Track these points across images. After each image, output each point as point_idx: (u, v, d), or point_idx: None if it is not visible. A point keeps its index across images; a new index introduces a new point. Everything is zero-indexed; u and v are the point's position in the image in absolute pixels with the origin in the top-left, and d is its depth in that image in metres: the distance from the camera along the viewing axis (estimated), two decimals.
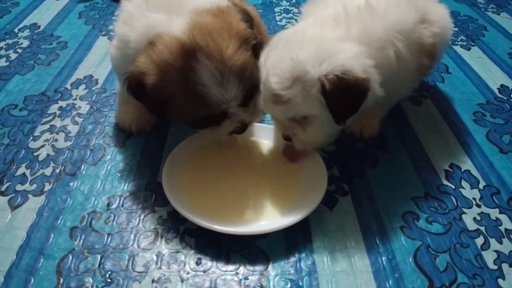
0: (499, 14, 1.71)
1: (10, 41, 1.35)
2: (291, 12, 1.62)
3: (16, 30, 1.43)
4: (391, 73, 0.80)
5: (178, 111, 0.79)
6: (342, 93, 0.71)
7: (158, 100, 0.77)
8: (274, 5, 1.67)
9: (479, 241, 0.78)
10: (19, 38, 1.37)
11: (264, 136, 0.95)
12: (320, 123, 0.79)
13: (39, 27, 1.45)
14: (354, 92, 0.73)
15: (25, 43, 1.35)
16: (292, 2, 1.71)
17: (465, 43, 1.46)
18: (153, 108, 0.83)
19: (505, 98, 1.17)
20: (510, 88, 1.22)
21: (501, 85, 1.23)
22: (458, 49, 1.42)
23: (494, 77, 1.27)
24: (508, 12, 1.74)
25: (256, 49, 0.82)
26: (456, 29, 1.56)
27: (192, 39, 0.74)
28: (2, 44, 1.34)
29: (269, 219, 0.77)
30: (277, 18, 1.57)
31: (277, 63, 0.74)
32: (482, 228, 0.80)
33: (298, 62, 0.71)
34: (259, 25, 1.10)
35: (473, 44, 1.46)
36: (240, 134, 0.87)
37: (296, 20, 1.55)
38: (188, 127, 0.87)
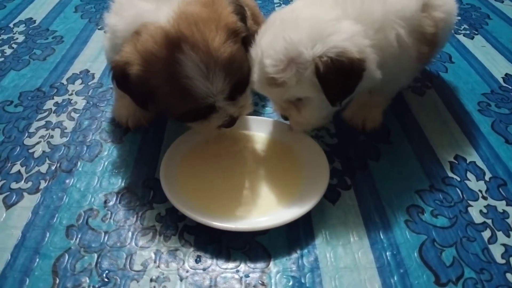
0: (502, 2, 1.68)
1: (5, 36, 1.33)
2: (291, 2, 1.59)
3: (11, 25, 1.40)
4: (391, 57, 0.78)
5: (163, 103, 0.77)
6: (336, 75, 0.70)
7: (142, 91, 0.75)
8: None
9: (486, 234, 0.76)
10: (14, 33, 1.35)
11: (264, 130, 0.93)
12: (315, 105, 0.78)
13: (34, 21, 1.43)
14: (349, 73, 0.71)
15: (21, 38, 1.33)
16: None
17: (468, 31, 1.43)
18: (137, 100, 0.80)
19: (510, 88, 1.14)
20: None
21: (506, 74, 1.20)
22: (461, 38, 1.39)
23: (499, 66, 1.24)
24: None
25: (247, 42, 0.80)
26: (459, 17, 1.53)
27: (177, 29, 0.72)
28: None
29: (270, 214, 0.75)
30: (276, 9, 1.54)
31: (271, 44, 0.72)
32: (489, 221, 0.78)
33: (291, 43, 0.70)
34: (258, 16, 1.08)
35: (476, 32, 1.43)
36: (229, 128, 0.84)
37: None
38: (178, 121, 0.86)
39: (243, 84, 0.81)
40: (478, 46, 1.35)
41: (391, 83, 0.85)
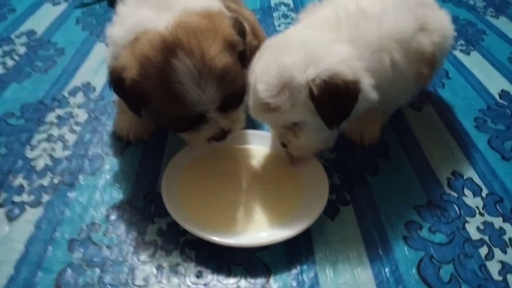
0: (498, 18, 1.71)
1: (6, 48, 1.34)
2: (290, 17, 1.61)
3: (12, 36, 1.41)
4: (386, 81, 0.79)
5: (155, 109, 0.78)
6: (331, 97, 0.70)
7: (136, 96, 0.76)
8: (273, 10, 1.66)
9: (483, 251, 0.77)
10: (15, 45, 1.36)
11: (264, 144, 0.94)
12: (312, 129, 0.78)
13: (36, 33, 1.44)
14: (344, 96, 0.71)
15: (22, 50, 1.34)
16: (290, 7, 1.70)
17: (464, 47, 1.46)
18: (131, 105, 0.81)
19: (506, 104, 1.16)
20: (510, 94, 1.21)
21: (502, 90, 1.22)
22: (458, 53, 1.41)
23: (495, 82, 1.26)
24: (506, 16, 1.74)
25: (244, 57, 0.81)
26: (455, 33, 1.55)
27: (174, 35, 0.73)
28: None
29: (270, 230, 0.76)
30: (276, 23, 1.56)
31: (264, 69, 0.73)
32: (486, 238, 0.79)
33: (284, 68, 0.71)
34: (257, 30, 1.10)
35: (472, 48, 1.45)
36: (219, 142, 0.84)
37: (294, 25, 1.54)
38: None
39: (237, 98, 0.81)
40: (474, 62, 1.37)
41: (388, 103, 0.86)
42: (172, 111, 0.76)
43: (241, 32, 0.82)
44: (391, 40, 0.78)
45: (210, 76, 0.73)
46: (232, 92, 0.78)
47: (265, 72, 0.73)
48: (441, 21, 0.92)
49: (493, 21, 1.69)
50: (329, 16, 0.79)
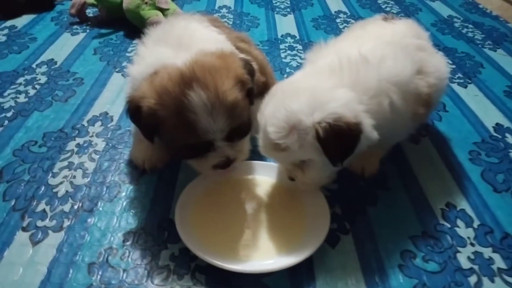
0: (495, 51, 1.78)
1: (28, 77, 1.43)
2: (295, 49, 1.69)
3: (34, 65, 1.50)
4: (385, 121, 0.86)
5: (168, 135, 0.85)
6: (335, 138, 0.77)
7: (151, 123, 0.83)
8: (280, 42, 1.75)
9: (473, 279, 0.82)
10: (37, 74, 1.45)
11: (270, 175, 1.01)
12: (318, 166, 0.85)
13: (55, 63, 1.52)
14: (347, 136, 0.78)
15: (43, 79, 1.42)
16: (296, 39, 1.79)
17: (462, 80, 1.53)
18: (146, 132, 0.88)
19: (500, 137, 1.23)
20: (504, 127, 1.28)
21: (496, 124, 1.29)
22: (455, 86, 1.49)
23: (490, 115, 1.33)
24: (504, 48, 1.81)
25: (251, 94, 0.89)
26: (454, 66, 1.63)
27: (192, 70, 0.81)
28: (21, 80, 1.41)
29: (275, 257, 0.82)
30: (282, 55, 1.64)
31: (273, 113, 0.80)
32: (476, 267, 0.85)
33: (292, 112, 0.78)
34: (265, 67, 1.17)
35: (470, 81, 1.52)
36: (223, 170, 0.90)
37: (300, 57, 1.62)
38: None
39: (243, 129, 0.88)
40: (471, 95, 1.44)
41: (387, 140, 0.92)
42: (184, 138, 0.83)
43: (250, 72, 0.90)
44: (389, 83, 0.86)
45: (221, 108, 0.80)
46: (240, 124, 0.85)
47: (274, 115, 0.80)
48: (437, 65, 0.99)
49: (491, 53, 1.76)
50: (331, 63, 0.86)
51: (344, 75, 0.84)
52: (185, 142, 0.84)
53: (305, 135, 0.78)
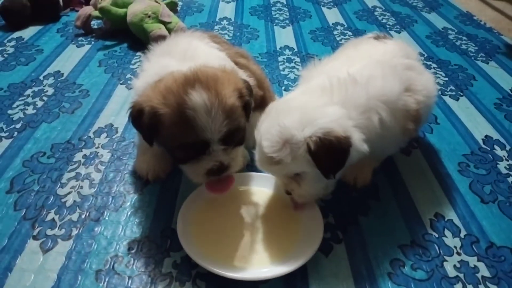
0: (487, 63, 1.84)
1: (36, 89, 1.48)
2: (293, 61, 1.75)
3: (41, 77, 1.56)
4: (376, 135, 0.91)
5: (166, 135, 0.88)
6: (326, 151, 0.82)
7: (151, 124, 0.87)
8: (278, 54, 1.81)
9: (458, 287, 0.87)
10: (44, 86, 1.50)
11: (267, 186, 1.06)
12: (312, 179, 0.91)
13: (62, 74, 1.58)
14: (337, 150, 0.83)
15: (50, 90, 1.48)
16: (294, 51, 1.85)
17: (454, 93, 1.58)
18: (146, 134, 0.91)
19: (489, 149, 1.28)
20: (494, 139, 1.33)
21: (486, 136, 1.34)
22: (447, 99, 1.54)
23: (480, 128, 1.38)
24: (496, 61, 1.87)
25: (247, 108, 0.94)
26: (446, 79, 1.68)
27: (195, 74, 0.88)
28: (29, 91, 1.46)
29: (271, 266, 0.87)
30: (280, 67, 1.70)
31: (268, 129, 0.86)
32: (461, 275, 0.90)
33: (284, 127, 0.83)
34: (263, 81, 1.23)
35: (461, 94, 1.58)
36: (216, 176, 0.93)
37: (297, 69, 1.68)
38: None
39: (238, 135, 0.92)
40: (462, 108, 1.49)
41: (378, 153, 0.98)
42: (182, 136, 0.87)
43: (249, 90, 0.96)
44: (378, 100, 0.91)
45: (220, 109, 0.86)
46: (236, 128, 0.90)
47: (268, 131, 0.86)
48: (425, 83, 1.05)
49: (483, 66, 1.82)
50: (322, 83, 0.92)
51: (334, 94, 0.89)
52: (183, 141, 0.87)
53: (297, 149, 0.83)
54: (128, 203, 1.04)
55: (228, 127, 0.87)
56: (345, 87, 0.90)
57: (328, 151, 0.83)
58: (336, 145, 0.83)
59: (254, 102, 1.09)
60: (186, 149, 0.90)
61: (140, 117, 0.89)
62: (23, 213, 0.99)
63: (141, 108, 0.88)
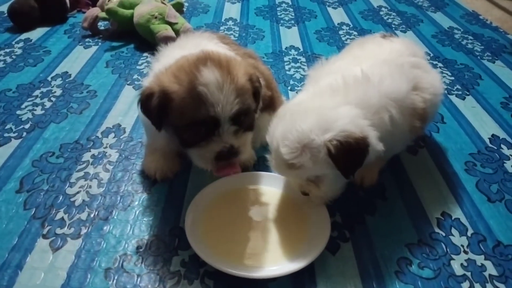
0: (494, 63, 1.84)
1: (44, 90, 1.49)
2: (299, 61, 1.76)
3: (49, 78, 1.57)
4: (386, 133, 0.92)
5: (176, 111, 0.87)
6: (346, 153, 0.83)
7: (161, 105, 0.87)
8: (284, 54, 1.81)
9: (465, 285, 0.88)
10: (52, 87, 1.52)
11: (278, 186, 1.07)
12: (331, 180, 0.92)
13: (70, 75, 1.59)
14: (356, 150, 0.84)
15: (58, 91, 1.49)
16: (300, 51, 1.85)
17: (460, 92, 1.58)
18: (155, 117, 0.91)
19: (495, 148, 1.28)
20: (500, 138, 1.33)
21: (492, 135, 1.34)
22: (453, 98, 1.54)
23: (486, 127, 1.38)
24: (502, 60, 1.87)
25: (257, 96, 0.95)
26: (452, 78, 1.68)
27: (207, 55, 0.90)
28: (37, 92, 1.48)
29: (279, 264, 0.88)
30: (286, 67, 1.70)
31: (284, 134, 0.86)
32: (468, 274, 0.90)
33: (302, 132, 0.83)
34: (271, 82, 1.23)
35: (468, 93, 1.58)
36: (225, 162, 0.92)
37: (303, 69, 1.68)
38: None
39: (248, 120, 0.92)
40: (468, 107, 1.49)
41: (387, 151, 0.98)
42: (192, 112, 0.86)
43: (258, 80, 0.97)
44: (388, 99, 0.92)
45: (231, 86, 0.86)
46: (246, 110, 0.90)
47: (286, 137, 0.85)
48: (432, 81, 1.05)
49: (490, 65, 1.82)
50: (333, 82, 0.93)
51: (347, 94, 0.90)
52: (193, 118, 0.87)
53: (318, 153, 0.83)
54: (137, 202, 1.05)
55: (239, 105, 0.87)
56: (357, 86, 0.90)
57: (348, 153, 0.83)
58: (355, 146, 0.83)
59: (263, 102, 1.10)
60: (196, 129, 0.89)
61: (149, 100, 0.89)
62: (33, 212, 1.00)
63: (151, 92, 0.88)
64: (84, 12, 2.07)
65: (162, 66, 0.95)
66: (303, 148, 0.84)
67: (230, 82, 0.86)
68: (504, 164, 1.22)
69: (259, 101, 0.97)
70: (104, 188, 1.08)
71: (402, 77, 0.96)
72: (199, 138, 0.90)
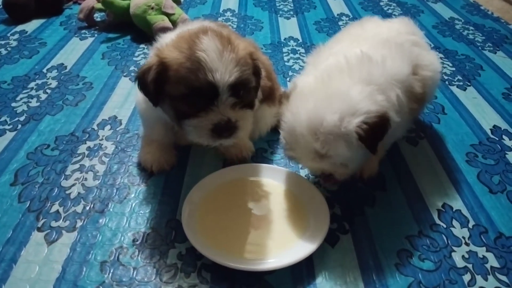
0: (495, 53, 1.81)
1: (39, 82, 1.48)
2: (298, 52, 1.73)
3: (44, 70, 1.55)
4: (394, 114, 0.90)
5: (173, 79, 0.85)
6: (373, 132, 0.84)
7: (157, 77, 0.86)
8: (283, 45, 1.79)
9: (467, 277, 0.86)
10: (47, 79, 1.50)
11: (276, 177, 1.05)
12: (359, 158, 0.91)
13: (65, 67, 1.57)
14: (382, 127, 0.86)
15: (54, 83, 1.47)
16: (299, 42, 1.83)
17: (461, 83, 1.56)
18: (151, 91, 0.89)
19: (497, 139, 1.26)
20: (502, 129, 1.31)
21: (494, 126, 1.32)
22: (454, 89, 1.52)
23: (488, 118, 1.37)
24: (504, 51, 1.84)
25: (257, 73, 0.94)
26: (454, 69, 1.66)
27: (209, 27, 0.90)
28: (33, 84, 1.46)
29: (277, 256, 0.86)
30: (285, 58, 1.68)
31: (314, 127, 0.84)
32: (470, 266, 0.89)
33: (334, 124, 0.83)
34: (271, 73, 1.21)
35: (469, 84, 1.56)
36: (225, 139, 0.89)
37: (302, 60, 1.66)
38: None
39: (247, 94, 0.90)
40: (469, 98, 1.47)
41: (389, 137, 0.96)
42: (190, 78, 0.83)
43: (258, 61, 0.95)
44: (393, 79, 0.91)
45: (231, 55, 0.84)
46: (246, 81, 0.88)
47: (316, 130, 0.84)
48: (431, 59, 1.06)
49: (491, 56, 1.79)
50: (337, 63, 0.91)
51: (354, 73, 0.89)
52: (191, 85, 0.83)
53: (351, 139, 0.84)
54: (133, 195, 1.03)
55: (238, 74, 0.85)
56: (364, 65, 0.90)
57: (375, 132, 0.85)
58: (380, 123, 0.85)
59: (263, 93, 1.08)
60: (193, 98, 0.85)
61: (147, 73, 0.87)
62: (28, 205, 0.99)
63: (148, 66, 0.87)
64: (80, 4, 2.04)
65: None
66: (334, 138, 0.84)
67: (230, 51, 0.84)
68: (506, 155, 1.20)
69: (259, 82, 0.95)
70: (100, 181, 1.07)
71: (404, 57, 0.96)
72: (197, 109, 0.87)
